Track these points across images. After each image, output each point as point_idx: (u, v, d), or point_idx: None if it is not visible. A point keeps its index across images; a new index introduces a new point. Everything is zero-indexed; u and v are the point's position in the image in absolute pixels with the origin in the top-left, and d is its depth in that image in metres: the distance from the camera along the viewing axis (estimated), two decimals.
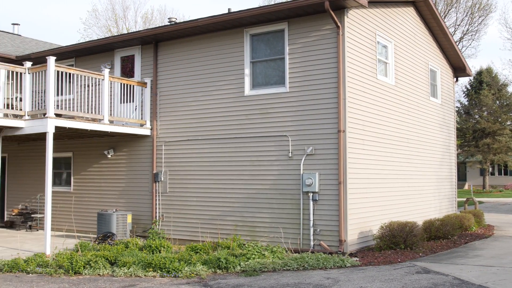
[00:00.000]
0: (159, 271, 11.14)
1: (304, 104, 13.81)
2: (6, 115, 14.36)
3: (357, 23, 14.08)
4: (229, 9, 16.37)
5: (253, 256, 12.08)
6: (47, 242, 13.55)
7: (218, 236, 14.53)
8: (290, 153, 13.92)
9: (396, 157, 16.05)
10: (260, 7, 14.19)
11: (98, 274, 11.21)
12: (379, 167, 14.93)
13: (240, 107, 14.86)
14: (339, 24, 13.21)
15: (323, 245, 13.17)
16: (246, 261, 11.79)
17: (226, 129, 15.06)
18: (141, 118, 16.63)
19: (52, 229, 14.25)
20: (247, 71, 14.82)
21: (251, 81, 14.85)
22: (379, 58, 15.35)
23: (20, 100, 15.02)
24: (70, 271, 11.24)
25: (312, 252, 13.03)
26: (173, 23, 17.33)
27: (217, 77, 15.34)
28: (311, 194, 13.47)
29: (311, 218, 13.42)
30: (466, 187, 55.96)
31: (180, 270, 11.04)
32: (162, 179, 16.16)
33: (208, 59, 15.57)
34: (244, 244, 13.46)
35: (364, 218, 13.97)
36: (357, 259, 12.50)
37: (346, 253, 12.98)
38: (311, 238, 13.39)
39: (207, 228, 15.13)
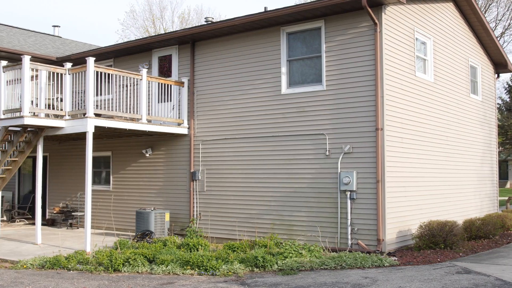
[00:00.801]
0: (196, 269, 11.21)
1: (341, 102, 13.71)
2: (47, 115, 14.65)
3: (395, 20, 13.90)
4: (265, 8, 16.37)
5: (291, 255, 12.05)
6: (87, 239, 13.78)
7: (255, 235, 14.54)
8: (328, 151, 13.84)
9: (436, 156, 15.80)
10: (297, 5, 14.13)
11: (137, 272, 11.34)
12: (418, 166, 14.72)
13: (277, 106, 14.84)
14: (376, 21, 13.07)
15: (361, 244, 13.06)
16: (284, 259, 11.78)
17: (263, 128, 15.06)
18: (179, 117, 16.76)
19: (92, 227, 14.49)
20: (283, 69, 14.80)
21: (287, 80, 14.81)
22: (417, 55, 15.13)
23: (61, 100, 15.30)
24: (110, 268, 11.40)
25: (350, 251, 12.93)
26: (209, 22, 17.42)
27: (254, 75, 15.35)
28: (348, 193, 13.37)
29: (349, 217, 13.32)
30: (508, 185, 54.80)
31: (218, 268, 11.09)
32: (200, 178, 16.26)
33: (245, 58, 15.59)
34: (281, 243, 13.44)
35: (402, 217, 13.80)
36: (396, 258, 12.36)
37: (384, 252, 12.84)
38: (349, 237, 13.29)
39: (244, 226, 15.16)
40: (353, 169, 13.41)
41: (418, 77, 15.03)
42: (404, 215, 13.87)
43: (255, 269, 11.33)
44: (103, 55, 18.67)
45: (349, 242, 13.27)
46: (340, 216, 13.50)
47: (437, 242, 13.19)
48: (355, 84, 13.51)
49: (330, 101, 13.91)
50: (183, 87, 16.71)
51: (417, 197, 14.61)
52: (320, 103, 14.07)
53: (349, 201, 13.36)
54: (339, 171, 13.59)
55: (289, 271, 11.02)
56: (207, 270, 11.08)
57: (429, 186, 15.33)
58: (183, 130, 16.62)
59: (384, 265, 11.66)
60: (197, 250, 13.08)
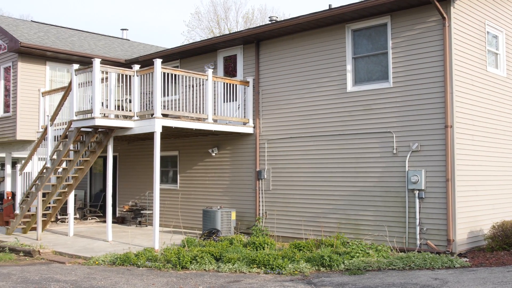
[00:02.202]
0: (263, 267, 11.24)
1: (409, 99, 13.43)
2: (117, 116, 15.04)
3: (464, 13, 13.49)
4: (329, 5, 16.23)
5: (357, 254, 11.90)
6: (155, 237, 14.07)
7: (321, 234, 14.44)
8: (395, 149, 13.58)
9: (508, 153, 15.22)
10: (362, 1, 13.91)
11: (204, 269, 11.47)
12: (489, 164, 14.23)
13: (342, 104, 14.69)
14: (445, 15, 12.72)
15: (430, 245, 12.74)
16: (350, 259, 11.64)
17: (329, 126, 14.94)
18: (244, 117, 16.86)
19: (160, 225, 14.78)
20: (349, 67, 14.63)
21: (353, 77, 14.64)
22: (488, 49, 14.62)
23: (129, 101, 15.68)
24: (178, 265, 11.59)
25: (419, 251, 12.64)
26: (273, 21, 17.43)
27: (319, 74, 15.25)
28: (417, 192, 13.07)
29: (417, 217, 13.03)
30: None
31: (284, 267, 11.08)
32: (265, 177, 16.31)
33: (310, 56, 15.52)
34: (347, 242, 13.30)
35: (473, 217, 13.37)
36: (467, 259, 11.99)
37: (454, 253, 12.48)
38: (417, 237, 13.00)
39: (310, 225, 15.09)
40: (422, 167, 13.11)
41: (490, 72, 14.53)
42: (475, 214, 13.44)
43: (321, 268, 11.26)
44: (170, 56, 19.01)
45: (418, 242, 12.98)
46: (408, 215, 13.22)
47: (511, 243, 12.71)
48: (423, 80, 13.19)
49: (397, 98, 13.64)
50: (248, 86, 16.80)
51: (489, 196, 14.12)
52: (386, 100, 13.82)
53: (417, 200, 13.06)
54: (407, 169, 13.31)
55: (356, 271, 10.89)
56: (273, 269, 11.08)
57: (502, 185, 14.79)
58: (248, 129, 16.70)
59: (454, 266, 11.33)
60: (263, 249, 13.11)
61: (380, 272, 10.87)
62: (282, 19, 16.76)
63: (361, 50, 14.58)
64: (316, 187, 15.15)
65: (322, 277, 10.53)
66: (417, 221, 13.01)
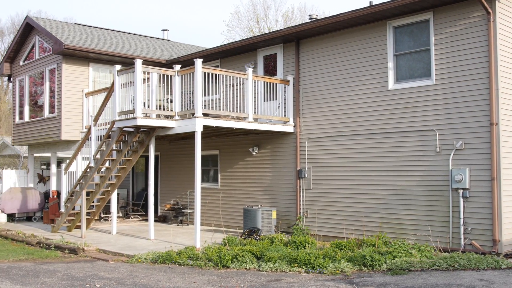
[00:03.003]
0: (304, 266, 11.19)
1: (452, 97, 13.18)
2: (158, 116, 15.21)
3: (510, 8, 13.16)
4: (370, 2, 16.06)
5: (400, 254, 11.74)
6: (197, 236, 14.17)
7: (363, 233, 14.31)
8: (438, 148, 13.35)
9: None
10: None
11: (245, 268, 11.50)
12: None
13: (384, 102, 14.52)
14: (489, 10, 12.43)
15: (475, 245, 12.48)
16: (392, 259, 11.50)
17: (370, 125, 14.79)
18: (284, 116, 16.83)
19: (201, 224, 14.88)
20: (390, 64, 14.45)
21: (395, 75, 14.45)
22: None
23: (171, 101, 15.83)
24: (219, 264, 11.64)
25: (463, 251, 12.39)
26: (313, 20, 17.34)
27: (360, 71, 15.11)
28: (461, 191, 12.82)
29: (461, 216, 12.78)
30: None
31: (325, 267, 11.02)
32: (306, 176, 16.25)
33: (350, 54, 15.39)
34: (389, 242, 13.14)
35: None
36: None
37: (500, 254, 12.19)
38: (461, 237, 12.75)
39: (351, 224, 14.97)
40: (466, 166, 12.85)
41: None
42: None
43: (363, 268, 11.15)
44: (210, 56, 19.12)
45: (462, 242, 12.73)
46: (452, 215, 12.98)
47: None
48: (467, 77, 12.93)
49: (440, 96, 13.40)
50: (288, 85, 16.77)
51: None
52: (429, 98, 13.60)
53: (461, 200, 12.81)
54: (450, 168, 13.07)
55: (399, 271, 10.74)
56: (314, 268, 11.03)
57: None
58: (289, 128, 16.66)
59: (501, 267, 11.07)
60: (304, 248, 13.07)
61: (423, 273, 10.70)
62: (322, 17, 16.64)
63: (402, 47, 14.38)
64: (357, 186, 15.02)
65: (363, 276, 10.43)
66: (461, 220, 12.77)
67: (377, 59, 14.73)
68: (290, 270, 11.13)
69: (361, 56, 15.11)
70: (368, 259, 11.18)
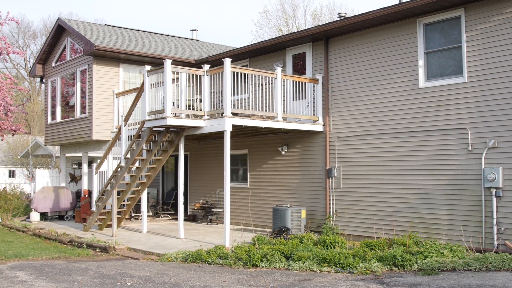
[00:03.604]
0: (333, 266, 11.13)
1: (485, 94, 12.96)
2: (187, 116, 15.29)
3: None
4: (400, 0, 15.90)
5: (431, 254, 11.60)
6: (226, 235, 14.20)
7: (393, 233, 14.17)
8: (470, 146, 13.14)
9: None
10: None
11: (274, 267, 11.48)
12: None
13: (414, 100, 14.35)
14: None
15: (508, 245, 12.25)
16: (423, 259, 11.36)
17: (400, 123, 14.64)
18: (314, 115, 16.76)
19: (231, 223, 14.90)
20: (421, 62, 14.28)
21: (425, 73, 14.27)
22: None
23: (200, 101, 15.90)
24: (248, 263, 11.65)
25: (496, 252, 12.17)
26: (342, 18, 17.23)
27: (390, 70, 14.97)
28: (494, 190, 12.60)
29: (494, 216, 12.56)
30: None
31: (355, 266, 10.94)
32: (335, 175, 16.16)
33: (380, 52, 15.25)
34: (420, 242, 12.98)
35: None
36: None
37: None
38: (495, 237, 12.53)
39: (381, 224, 14.84)
40: (499, 165, 12.62)
41: None
42: None
43: (393, 268, 11.04)
44: (239, 55, 19.15)
45: (495, 242, 12.51)
46: (484, 214, 12.77)
47: None
48: (500, 74, 12.70)
49: (472, 94, 13.20)
50: (317, 84, 16.69)
51: None
52: (461, 96, 13.40)
53: (494, 199, 12.59)
54: (483, 167, 12.86)
55: (430, 271, 10.61)
56: (344, 268, 10.96)
57: None
58: (318, 127, 16.59)
59: None
60: (334, 248, 13.00)
61: (455, 273, 10.54)
62: (351, 15, 16.53)
63: (433, 45, 14.20)
64: (387, 185, 14.88)
65: (394, 277, 10.32)
66: (494, 220, 12.55)
67: (407, 57, 14.57)
68: (319, 270, 11.08)
69: (391, 54, 14.96)
70: (398, 259, 11.07)
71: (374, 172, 15.23)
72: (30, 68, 28.46)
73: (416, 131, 14.28)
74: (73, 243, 15.53)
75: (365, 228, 15.27)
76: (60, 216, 22.63)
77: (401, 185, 14.53)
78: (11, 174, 52.48)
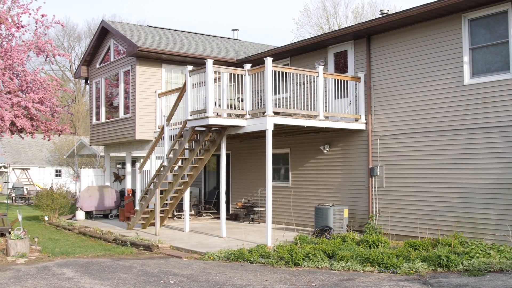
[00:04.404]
0: (376, 266, 11.01)
1: None
2: (229, 115, 15.35)
3: None
4: None
5: (477, 255, 11.35)
6: (268, 234, 14.20)
7: (438, 233, 13.93)
8: None
9: None
10: None
11: (317, 267, 11.42)
12: None
13: (459, 97, 14.07)
14: None
15: None
16: (469, 260, 11.12)
17: (445, 121, 14.37)
18: (356, 113, 16.61)
19: (272, 222, 14.90)
20: (466, 58, 13.98)
21: (470, 69, 13.97)
22: None
23: (241, 100, 15.95)
24: (290, 262, 11.62)
25: None
26: (384, 15, 17.02)
27: (433, 66, 14.71)
28: None
29: None
30: None
31: (399, 266, 10.79)
32: (378, 174, 15.97)
33: (423, 49, 15.00)
34: (466, 242, 12.73)
35: None
36: None
37: None
38: None
39: (425, 224, 14.60)
40: None
41: None
42: None
43: (438, 268, 10.85)
44: (280, 54, 19.12)
45: None
46: None
47: None
48: None
49: None
50: (359, 82, 16.54)
51: None
52: (508, 92, 13.06)
53: None
54: None
55: (476, 272, 10.38)
56: (388, 268, 10.83)
57: None
58: (360, 126, 16.44)
59: None
60: (377, 247, 12.85)
61: (503, 274, 10.29)
62: (394, 12, 16.30)
63: (478, 40, 13.88)
64: (431, 184, 14.62)
65: (439, 277, 10.14)
66: None
67: (452, 53, 14.29)
68: (362, 270, 10.97)
69: (435, 50, 14.70)
70: (443, 259, 10.87)
71: (418, 170, 14.99)
72: (75, 70, 29.10)
73: (461, 129, 13.99)
74: (117, 241, 15.79)
75: (408, 227, 15.05)
76: (105, 215, 23.03)
77: (446, 184, 14.26)
78: (57, 173, 53.76)
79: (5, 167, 51.40)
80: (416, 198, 14.97)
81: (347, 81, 16.51)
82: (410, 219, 15.04)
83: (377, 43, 16.33)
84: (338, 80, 16.35)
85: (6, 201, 32.35)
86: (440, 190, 14.39)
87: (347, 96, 16.66)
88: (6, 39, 18.90)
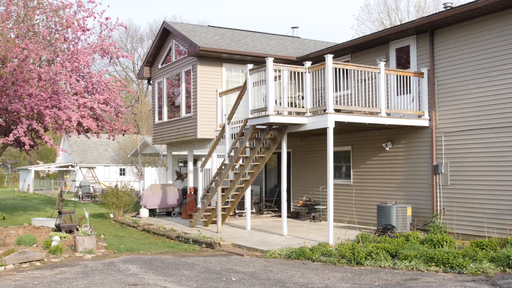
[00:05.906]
0: (441, 266, 10.75)
1: None
2: (289, 113, 15.33)
3: None
4: None
5: None
6: (330, 232, 14.09)
7: (507, 232, 13.46)
8: None
9: None
10: None
11: (379, 266, 11.26)
12: None
13: None
14: None
15: None
16: None
17: None
18: (419, 109, 16.26)
19: (334, 220, 14.76)
20: None
21: None
22: None
23: (302, 98, 15.89)
24: (352, 261, 11.50)
25: None
26: (448, 8, 16.57)
27: (500, 60, 14.21)
28: None
29: None
30: None
31: (465, 267, 10.50)
32: (443, 171, 15.58)
33: (489, 42, 14.51)
34: None
35: None
36: None
37: None
38: None
39: (493, 223, 14.13)
40: None
41: None
42: None
43: (507, 269, 10.49)
44: (340, 51, 18.93)
45: None
46: None
47: None
48: None
49: None
50: (422, 78, 16.17)
51: None
52: None
53: None
54: None
55: None
56: (453, 268, 10.55)
57: None
58: (423, 122, 16.08)
59: None
60: (442, 247, 12.54)
61: None
62: (458, 5, 15.85)
63: None
64: (499, 182, 14.14)
65: (508, 278, 9.80)
66: None
67: None
68: (427, 269, 10.74)
69: (502, 43, 14.20)
70: None
71: (484, 168, 14.53)
72: (138, 71, 29.72)
73: None
74: (180, 239, 16.03)
75: (475, 227, 14.61)
76: (168, 213, 23.44)
77: None
78: (122, 172, 55.09)
79: (72, 166, 53.11)
80: (483, 196, 14.51)
81: (409, 77, 16.17)
82: (476, 218, 14.60)
83: (440, 37, 15.92)
84: (400, 76, 16.05)
85: (73, 199, 33.43)
86: (509, 188, 13.89)
87: (410, 92, 16.33)
88: (73, 43, 19.52)
